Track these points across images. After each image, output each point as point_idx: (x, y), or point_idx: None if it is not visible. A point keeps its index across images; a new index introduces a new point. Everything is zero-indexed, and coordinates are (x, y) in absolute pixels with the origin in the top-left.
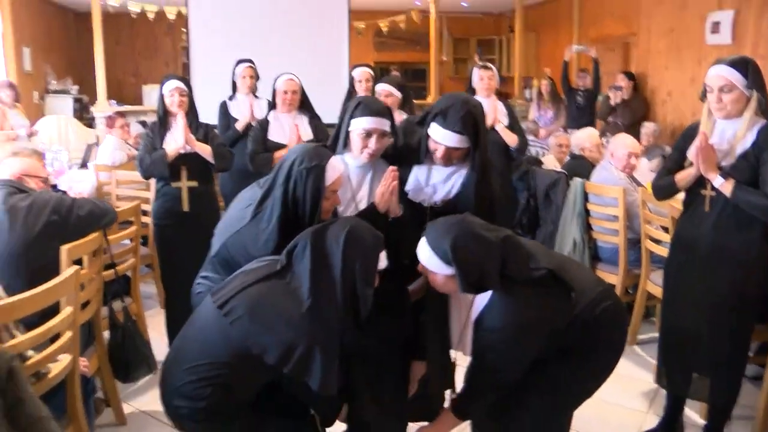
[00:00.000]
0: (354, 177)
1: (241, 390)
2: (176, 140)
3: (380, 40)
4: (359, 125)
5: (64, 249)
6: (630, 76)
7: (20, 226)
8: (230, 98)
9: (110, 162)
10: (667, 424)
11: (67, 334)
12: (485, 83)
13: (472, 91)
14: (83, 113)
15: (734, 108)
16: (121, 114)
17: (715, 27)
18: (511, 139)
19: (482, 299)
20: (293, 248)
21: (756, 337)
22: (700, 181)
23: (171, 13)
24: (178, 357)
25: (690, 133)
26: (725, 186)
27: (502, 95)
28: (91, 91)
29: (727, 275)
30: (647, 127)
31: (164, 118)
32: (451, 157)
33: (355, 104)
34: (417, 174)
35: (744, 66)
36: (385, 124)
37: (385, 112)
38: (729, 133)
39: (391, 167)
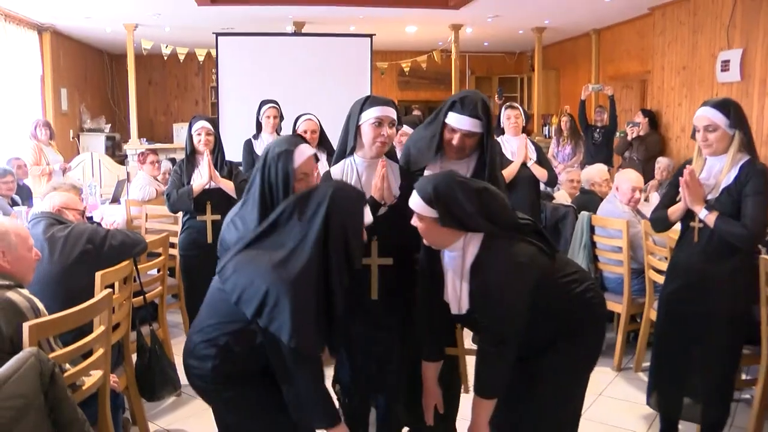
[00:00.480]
0: (365, 176)
1: (243, 354)
2: (202, 176)
3: (404, 79)
4: (371, 115)
5: (98, 275)
6: (646, 113)
7: (58, 254)
8: (255, 137)
9: (140, 197)
10: None
11: (100, 351)
12: (513, 122)
13: (501, 131)
14: (115, 151)
15: (719, 146)
16: (153, 151)
17: (725, 65)
18: (541, 174)
19: (473, 249)
20: (281, 212)
21: (745, 361)
22: (690, 214)
23: (201, 55)
24: (195, 324)
25: (683, 170)
26: (709, 218)
27: (526, 132)
28: (123, 129)
29: (715, 300)
30: (661, 162)
31: (192, 156)
32: (465, 146)
33: (363, 100)
34: (430, 171)
35: (726, 107)
36: (393, 113)
37: (392, 103)
38: (716, 169)
39: (381, 160)
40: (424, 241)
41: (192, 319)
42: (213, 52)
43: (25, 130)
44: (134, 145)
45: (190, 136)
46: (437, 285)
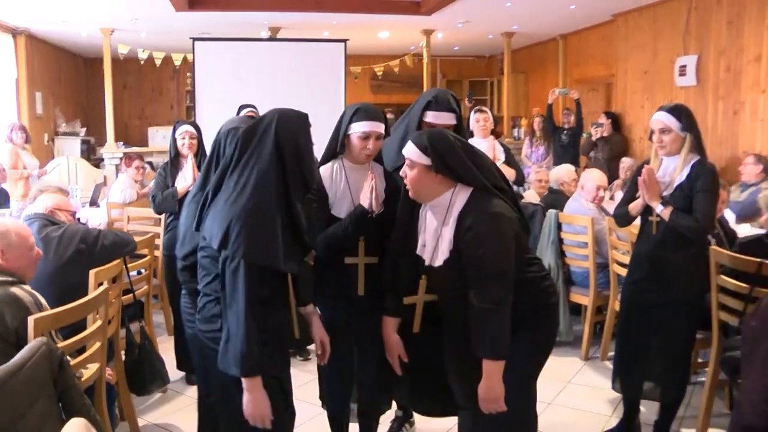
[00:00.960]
0: (352, 179)
1: None
2: (186, 179)
3: (377, 83)
4: (359, 129)
5: (92, 273)
6: (610, 115)
7: (53, 253)
8: None
9: (121, 200)
10: (626, 425)
11: (96, 345)
12: (481, 125)
13: (470, 134)
14: (90, 154)
15: (672, 147)
16: (140, 156)
17: (683, 70)
18: (509, 174)
19: (461, 201)
20: (232, 153)
21: (698, 345)
22: (648, 209)
23: (177, 59)
24: (200, 291)
25: (642, 169)
26: (664, 212)
27: (495, 134)
28: (97, 133)
29: (672, 288)
30: (625, 162)
31: (176, 159)
32: None
33: (354, 110)
34: None
35: (678, 112)
36: (381, 128)
37: (380, 116)
38: (670, 168)
39: (370, 172)
40: (410, 193)
41: (177, 321)
42: (189, 57)
43: (0, 133)
44: (111, 149)
45: (174, 140)
46: (410, 240)
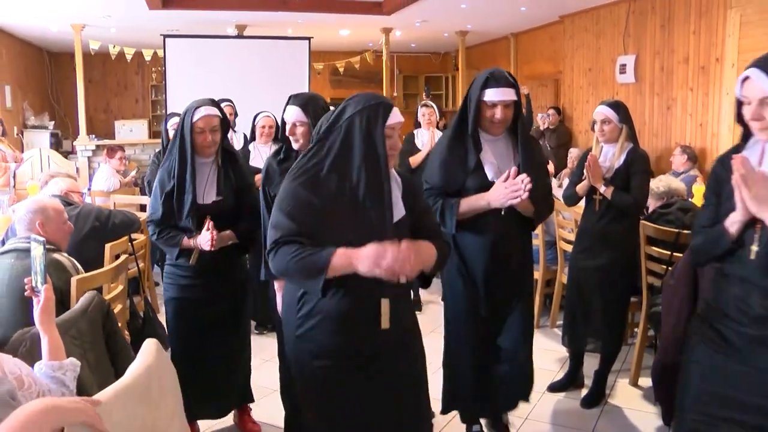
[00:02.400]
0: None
1: None
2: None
3: (336, 78)
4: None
5: (108, 246)
6: (557, 109)
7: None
8: None
9: (106, 188)
10: (570, 376)
11: (119, 306)
12: (426, 118)
13: (418, 125)
14: (58, 147)
15: (611, 136)
16: (121, 147)
17: (623, 68)
18: None
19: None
20: None
21: (632, 308)
22: (592, 189)
23: (147, 55)
24: None
25: (586, 156)
26: (607, 191)
27: (445, 127)
28: (64, 126)
29: (611, 255)
30: (573, 152)
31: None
32: (507, 117)
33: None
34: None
35: (617, 106)
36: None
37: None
38: (610, 154)
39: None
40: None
41: None
42: (159, 53)
43: None
44: (83, 142)
45: (165, 131)
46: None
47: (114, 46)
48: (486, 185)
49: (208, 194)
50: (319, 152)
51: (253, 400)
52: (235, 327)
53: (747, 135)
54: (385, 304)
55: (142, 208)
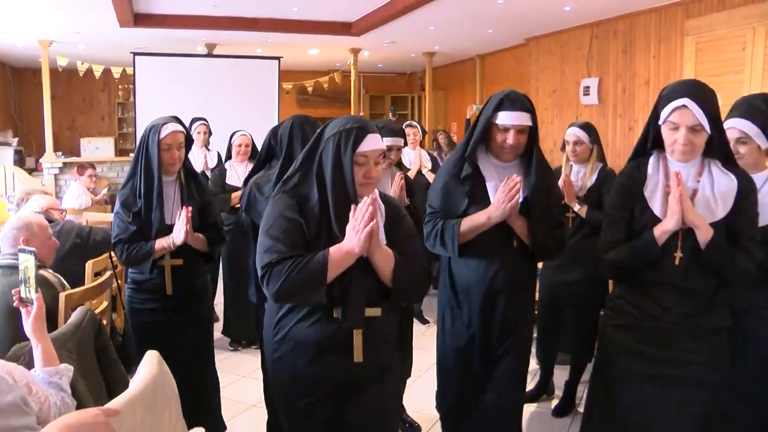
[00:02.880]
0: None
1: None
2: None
3: (303, 97)
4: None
5: (89, 263)
6: None
7: None
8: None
9: (77, 206)
10: (541, 387)
11: (103, 322)
12: (411, 138)
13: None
14: (22, 164)
15: (583, 156)
16: (92, 165)
17: (587, 90)
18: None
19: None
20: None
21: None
22: (566, 208)
23: (117, 72)
24: None
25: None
26: (581, 210)
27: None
28: (28, 143)
29: (582, 272)
30: None
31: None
32: (520, 143)
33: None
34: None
35: (588, 128)
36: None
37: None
38: (581, 174)
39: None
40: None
41: None
42: (128, 70)
43: None
44: (50, 159)
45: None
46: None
47: (82, 63)
48: None
49: (175, 213)
50: (301, 175)
51: (224, 429)
52: (200, 358)
53: (641, 152)
54: (357, 336)
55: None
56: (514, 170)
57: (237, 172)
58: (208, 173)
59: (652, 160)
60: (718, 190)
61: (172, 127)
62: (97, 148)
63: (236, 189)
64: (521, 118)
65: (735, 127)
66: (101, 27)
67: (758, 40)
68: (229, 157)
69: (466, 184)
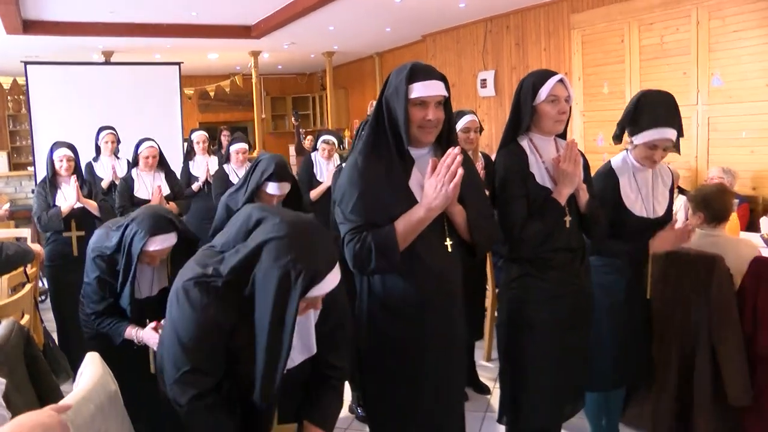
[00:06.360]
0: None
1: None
2: (66, 198)
3: (204, 102)
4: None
5: (5, 278)
6: None
7: None
8: (95, 159)
9: None
10: None
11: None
12: (326, 154)
13: (313, 148)
14: None
15: (476, 143)
16: None
17: (483, 83)
18: None
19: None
20: None
21: None
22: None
23: (6, 83)
24: None
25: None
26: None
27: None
28: None
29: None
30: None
31: (53, 179)
32: (439, 119)
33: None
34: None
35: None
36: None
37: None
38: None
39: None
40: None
41: (62, 321)
42: (19, 80)
43: None
44: None
45: (51, 161)
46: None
47: None
48: None
49: (155, 286)
50: (236, 287)
51: None
52: None
53: (516, 128)
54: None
55: (18, 240)
56: (430, 157)
57: (144, 183)
58: (117, 183)
59: (524, 142)
60: None
61: (162, 240)
62: None
63: (145, 202)
64: (438, 88)
65: (670, 138)
66: None
67: (633, 33)
68: (135, 164)
69: (396, 177)
